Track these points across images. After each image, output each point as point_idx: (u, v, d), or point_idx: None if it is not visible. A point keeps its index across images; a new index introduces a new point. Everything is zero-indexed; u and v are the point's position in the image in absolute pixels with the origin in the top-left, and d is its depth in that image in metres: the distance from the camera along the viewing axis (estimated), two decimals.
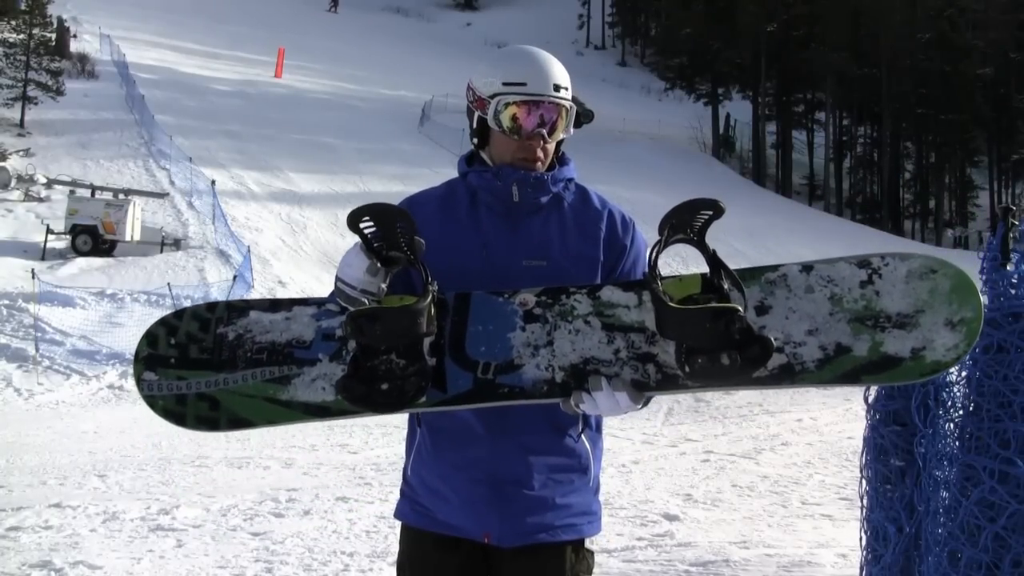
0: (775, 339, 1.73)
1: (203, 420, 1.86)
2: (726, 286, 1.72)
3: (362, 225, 1.69)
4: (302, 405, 1.84)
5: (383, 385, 1.68)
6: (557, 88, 1.88)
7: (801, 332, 1.77)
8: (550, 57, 1.92)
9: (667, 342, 1.73)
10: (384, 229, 1.70)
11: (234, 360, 1.86)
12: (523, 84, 1.86)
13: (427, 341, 1.73)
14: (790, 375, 1.75)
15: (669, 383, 1.76)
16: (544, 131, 1.88)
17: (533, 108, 1.86)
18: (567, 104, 1.90)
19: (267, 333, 1.88)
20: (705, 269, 1.78)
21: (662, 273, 1.75)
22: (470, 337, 1.81)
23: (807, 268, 1.82)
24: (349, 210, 1.72)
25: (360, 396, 1.69)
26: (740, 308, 1.63)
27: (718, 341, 1.61)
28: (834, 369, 1.74)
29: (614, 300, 1.81)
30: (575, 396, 1.74)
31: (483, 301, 1.83)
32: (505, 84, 1.87)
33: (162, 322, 1.92)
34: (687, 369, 1.66)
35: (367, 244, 1.71)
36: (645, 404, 1.81)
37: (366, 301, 1.72)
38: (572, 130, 1.94)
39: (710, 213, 1.71)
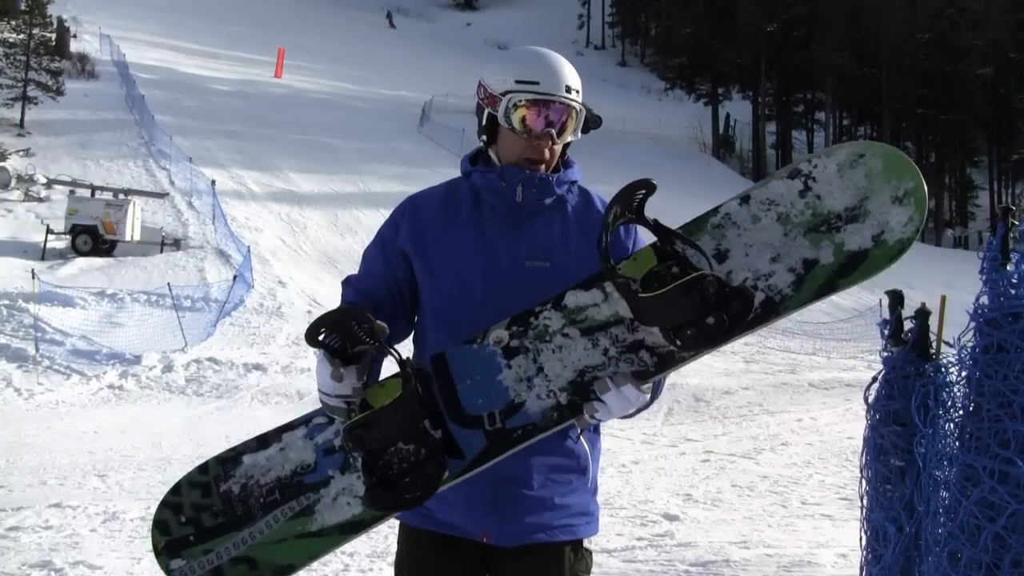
0: (745, 279, 1.73)
1: None
2: (680, 249, 1.73)
3: (320, 338, 1.70)
4: (335, 528, 1.80)
5: (405, 479, 1.67)
6: (569, 90, 1.89)
7: (765, 263, 1.77)
8: (563, 59, 1.94)
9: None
10: (341, 332, 1.70)
11: (250, 512, 1.82)
12: (536, 83, 1.87)
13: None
14: (774, 307, 1.75)
15: (667, 361, 1.76)
16: (553, 131, 1.89)
17: (544, 108, 1.87)
18: (577, 106, 1.91)
19: (268, 472, 1.84)
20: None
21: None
22: (463, 394, 1.78)
23: (745, 199, 1.82)
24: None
25: (390, 502, 1.68)
26: (707, 272, 1.64)
27: (698, 311, 1.62)
28: (810, 286, 1.74)
29: (581, 303, 1.79)
30: (587, 408, 1.74)
31: (459, 355, 1.80)
32: (518, 82, 1.88)
33: (164, 504, 1.87)
34: (679, 343, 1.67)
35: (330, 352, 1.72)
36: (654, 398, 1.82)
37: (345, 405, 1.72)
38: (580, 134, 1.94)
39: (644, 191, 1.73)
